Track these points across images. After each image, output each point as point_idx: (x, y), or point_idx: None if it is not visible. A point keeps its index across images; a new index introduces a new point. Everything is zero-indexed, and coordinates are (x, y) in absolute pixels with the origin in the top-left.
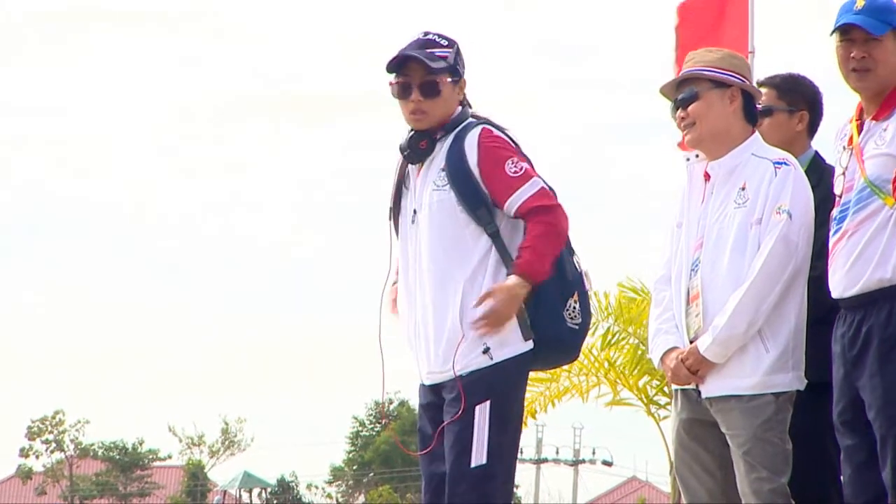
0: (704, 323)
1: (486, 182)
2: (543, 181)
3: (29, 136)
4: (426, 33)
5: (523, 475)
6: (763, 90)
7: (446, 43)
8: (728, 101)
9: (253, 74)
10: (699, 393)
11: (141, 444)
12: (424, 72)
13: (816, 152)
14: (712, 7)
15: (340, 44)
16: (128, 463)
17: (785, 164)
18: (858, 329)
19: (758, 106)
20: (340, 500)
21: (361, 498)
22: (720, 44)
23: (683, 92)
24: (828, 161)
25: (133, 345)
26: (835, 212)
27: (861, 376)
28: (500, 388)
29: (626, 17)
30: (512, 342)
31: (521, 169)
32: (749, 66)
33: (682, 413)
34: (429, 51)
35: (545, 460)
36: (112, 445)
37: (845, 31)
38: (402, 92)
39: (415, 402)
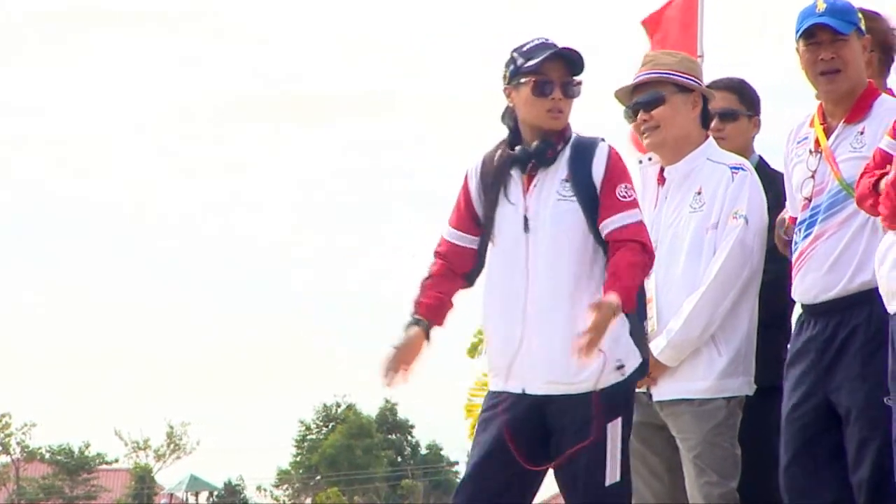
0: (658, 326)
1: (599, 196)
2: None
3: (29, 136)
4: (548, 39)
5: None
6: (722, 94)
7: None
8: (691, 106)
9: (253, 74)
10: (650, 396)
11: (87, 448)
12: (566, 72)
13: (761, 157)
14: (671, 13)
15: (340, 44)
16: (74, 466)
17: (742, 169)
18: (834, 333)
19: (710, 109)
20: (287, 503)
21: (308, 501)
22: (671, 47)
23: (646, 94)
24: (773, 165)
25: (79, 349)
26: (801, 215)
27: (835, 380)
28: (629, 404)
29: (626, 17)
30: (636, 356)
31: (630, 196)
32: (702, 70)
33: None
34: None
35: None
36: (59, 449)
37: (811, 35)
38: (543, 89)
39: (364, 406)
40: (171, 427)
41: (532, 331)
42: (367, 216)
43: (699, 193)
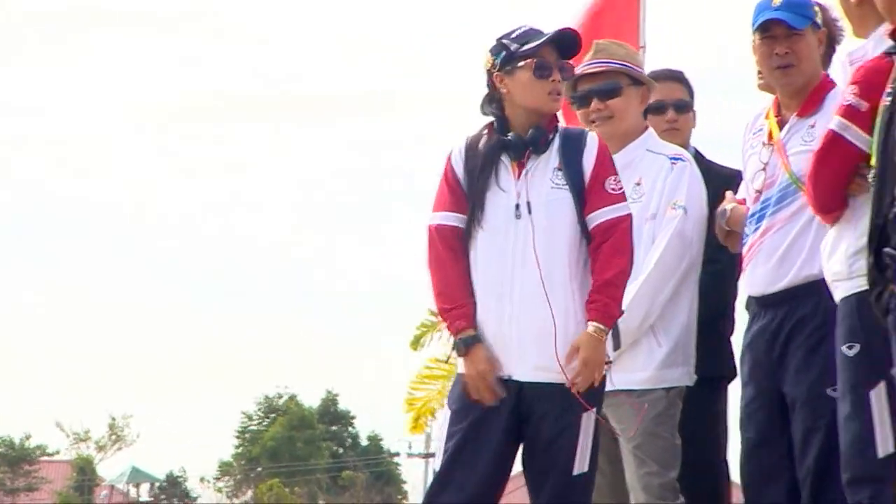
0: None
1: (586, 188)
2: None
3: (29, 136)
4: (533, 25)
5: (412, 470)
6: (674, 85)
7: None
8: (640, 99)
9: (253, 74)
10: None
11: (28, 439)
12: (559, 55)
13: (696, 149)
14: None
15: (340, 44)
16: (15, 458)
17: (681, 159)
18: (781, 324)
19: (664, 102)
20: (229, 494)
21: (249, 493)
22: (611, 36)
23: (604, 83)
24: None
25: (19, 342)
26: (753, 208)
27: (783, 371)
28: (603, 395)
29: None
30: (612, 350)
31: (619, 189)
32: (643, 62)
33: None
34: None
35: (434, 455)
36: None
37: (765, 29)
38: (544, 71)
39: (305, 397)
40: (114, 419)
41: (523, 317)
42: (367, 216)
43: (638, 184)
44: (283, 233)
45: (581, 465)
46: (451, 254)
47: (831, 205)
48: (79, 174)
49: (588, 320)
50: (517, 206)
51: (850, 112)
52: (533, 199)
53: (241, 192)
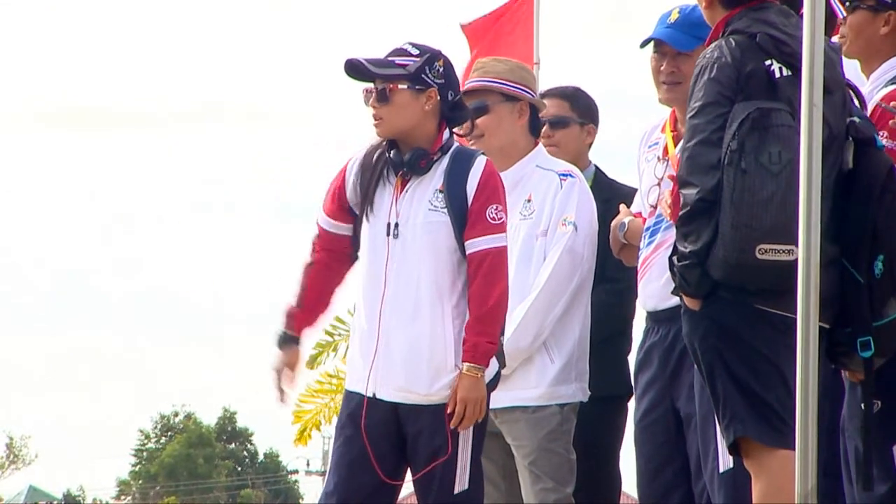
0: None
1: (468, 212)
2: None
3: None
4: (403, 44)
5: (309, 486)
6: (553, 101)
7: (417, 52)
8: (517, 115)
9: (252, 77)
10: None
11: None
12: (380, 79)
13: (597, 167)
14: (496, 18)
15: (339, 44)
16: None
17: (570, 175)
18: (675, 341)
19: (541, 118)
20: None
21: None
22: (506, 54)
23: (472, 103)
24: (613, 171)
25: None
26: (648, 222)
27: (679, 388)
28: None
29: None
30: (493, 366)
31: (500, 219)
32: (535, 78)
33: None
34: (390, 59)
35: None
36: None
37: (657, 43)
38: (365, 99)
39: (203, 415)
40: (12, 439)
41: (388, 337)
42: None
43: (529, 200)
44: (282, 233)
45: (461, 483)
46: (323, 254)
47: None
48: None
49: (462, 361)
50: (394, 226)
51: None
52: (409, 220)
53: (240, 191)
